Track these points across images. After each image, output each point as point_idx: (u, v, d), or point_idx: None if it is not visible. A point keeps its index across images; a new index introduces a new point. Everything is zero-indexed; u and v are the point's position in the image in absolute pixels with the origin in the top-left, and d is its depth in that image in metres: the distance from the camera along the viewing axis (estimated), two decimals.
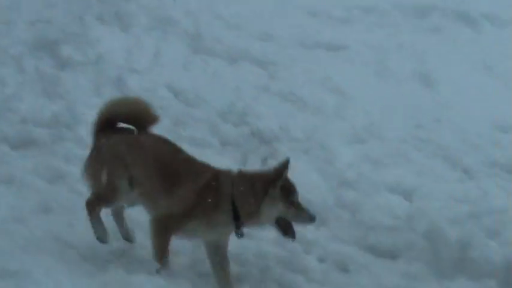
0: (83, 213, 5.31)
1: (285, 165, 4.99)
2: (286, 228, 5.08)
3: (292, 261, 5.43)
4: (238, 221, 5.06)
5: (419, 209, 5.82)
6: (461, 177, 6.35)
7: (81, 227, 5.41)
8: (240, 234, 5.13)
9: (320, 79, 7.12)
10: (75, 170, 6.03)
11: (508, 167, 6.51)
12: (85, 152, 5.80)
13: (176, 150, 5.35)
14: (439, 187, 6.17)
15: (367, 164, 6.35)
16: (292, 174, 5.66)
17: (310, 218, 5.05)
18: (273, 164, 6.04)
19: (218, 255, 5.33)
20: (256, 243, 5.63)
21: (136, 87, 7.04)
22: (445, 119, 6.79)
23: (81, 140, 6.63)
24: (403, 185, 6.15)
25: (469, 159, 6.48)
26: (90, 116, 6.03)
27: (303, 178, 5.98)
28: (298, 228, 5.08)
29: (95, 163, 5.43)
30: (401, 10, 7.76)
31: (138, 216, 5.60)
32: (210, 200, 5.04)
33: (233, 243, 5.24)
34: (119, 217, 5.63)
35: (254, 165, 6.39)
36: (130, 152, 5.30)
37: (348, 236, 5.66)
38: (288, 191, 5.02)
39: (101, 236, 5.41)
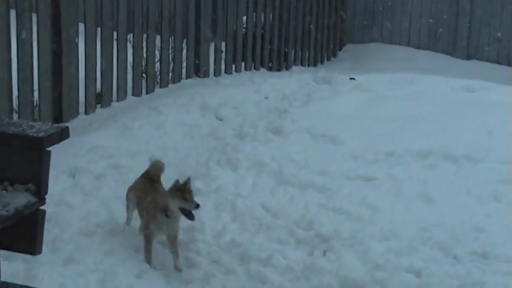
0: None
1: (175, 183, 7.29)
2: (187, 213, 7.30)
3: None
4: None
5: (427, 283, 7.78)
6: (452, 261, 8.29)
7: None
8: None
9: (359, 199, 9.17)
10: None
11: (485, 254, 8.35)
12: None
13: None
14: (437, 268, 8.12)
15: (391, 254, 8.36)
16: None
17: (195, 205, 7.36)
18: (330, 255, 8.54)
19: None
20: None
21: (242, 207, 9.17)
22: (440, 223, 8.77)
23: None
24: (414, 267, 8.11)
25: (457, 250, 8.42)
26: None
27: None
28: None
29: None
30: (410, 154, 9.80)
31: None
32: None
33: None
34: None
35: (319, 255, 8.39)
36: None
37: None
38: (180, 191, 7.21)
39: None
